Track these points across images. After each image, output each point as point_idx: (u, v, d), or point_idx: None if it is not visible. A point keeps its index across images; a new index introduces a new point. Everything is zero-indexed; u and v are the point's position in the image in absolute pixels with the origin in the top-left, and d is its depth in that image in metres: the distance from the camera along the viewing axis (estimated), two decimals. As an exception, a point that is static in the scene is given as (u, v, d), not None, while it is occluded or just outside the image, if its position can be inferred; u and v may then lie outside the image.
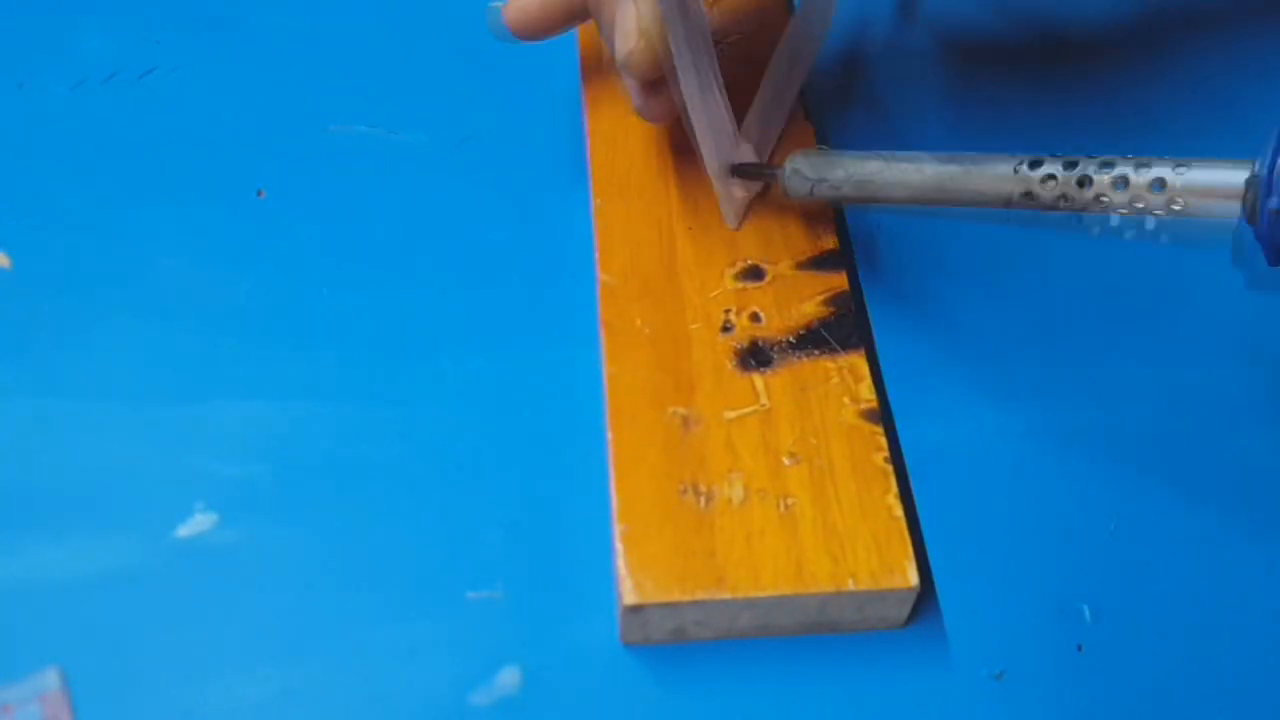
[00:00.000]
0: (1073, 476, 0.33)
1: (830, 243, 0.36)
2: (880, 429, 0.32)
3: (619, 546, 0.30)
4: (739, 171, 0.36)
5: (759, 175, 0.36)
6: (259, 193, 0.39)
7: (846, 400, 0.32)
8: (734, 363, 0.33)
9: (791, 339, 0.34)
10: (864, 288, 0.37)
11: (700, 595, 0.29)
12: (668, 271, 0.35)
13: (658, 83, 0.33)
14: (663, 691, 0.30)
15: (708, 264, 0.35)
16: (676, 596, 0.29)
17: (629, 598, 0.29)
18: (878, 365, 0.35)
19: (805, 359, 0.33)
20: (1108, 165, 0.31)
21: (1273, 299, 0.37)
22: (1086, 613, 0.31)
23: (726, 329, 0.34)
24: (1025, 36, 0.44)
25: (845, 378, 0.33)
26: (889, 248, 0.38)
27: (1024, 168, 0.31)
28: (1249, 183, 0.29)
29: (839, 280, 0.35)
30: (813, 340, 0.34)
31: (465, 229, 0.38)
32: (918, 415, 0.34)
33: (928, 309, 0.37)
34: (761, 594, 0.29)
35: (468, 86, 0.42)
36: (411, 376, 0.35)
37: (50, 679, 0.29)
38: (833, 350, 0.33)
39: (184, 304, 0.36)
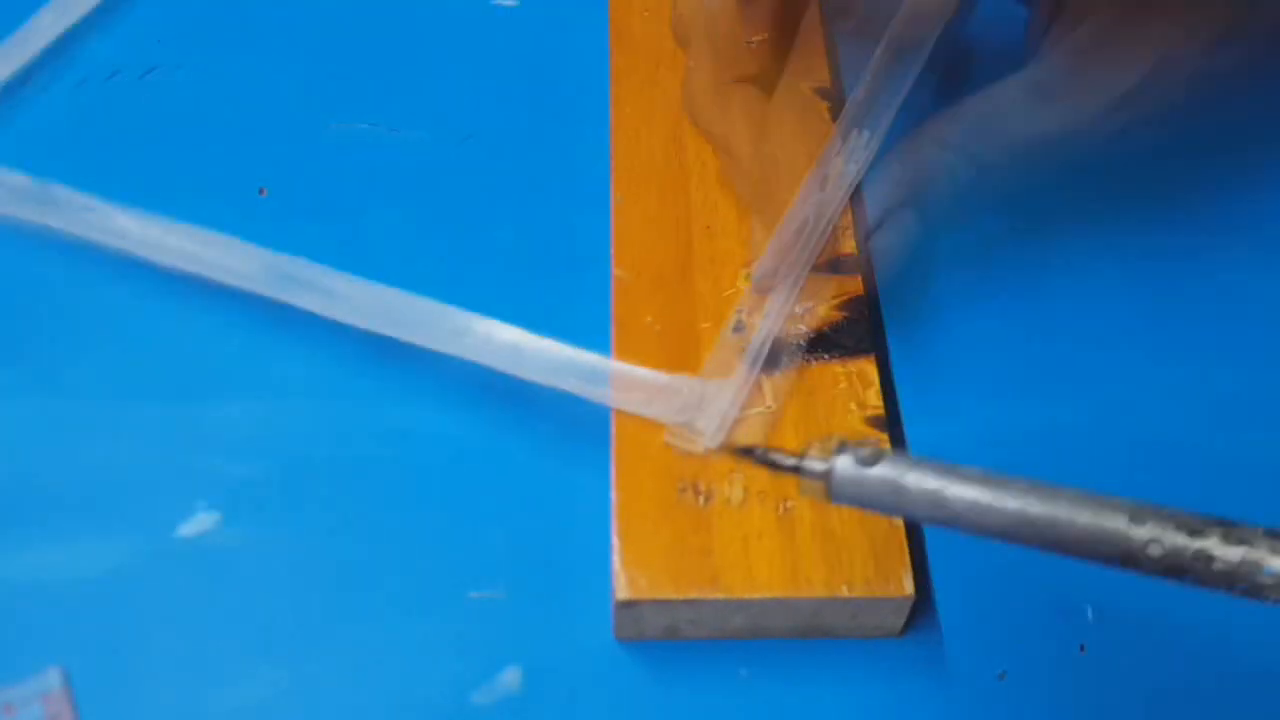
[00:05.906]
0: (1074, 478, 0.33)
1: (848, 246, 0.36)
2: (885, 436, 0.32)
3: (615, 542, 0.30)
4: (749, 455, 0.26)
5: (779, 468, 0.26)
6: (261, 191, 0.39)
7: (853, 405, 0.32)
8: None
9: (802, 341, 0.33)
10: (880, 293, 0.36)
11: (693, 594, 0.29)
12: (682, 269, 0.35)
13: None
14: (665, 691, 0.30)
15: (723, 263, 0.35)
16: (669, 594, 0.29)
17: (621, 593, 0.29)
18: (889, 372, 0.35)
19: (815, 362, 0.33)
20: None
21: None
22: (1089, 613, 0.31)
23: (737, 329, 0.34)
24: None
25: (854, 383, 0.33)
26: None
27: (1174, 535, 0.23)
28: None
29: (854, 284, 0.35)
30: (824, 344, 0.33)
31: (467, 227, 0.38)
32: (926, 422, 0.34)
33: (944, 316, 0.36)
34: (755, 596, 0.29)
35: (469, 84, 0.42)
36: (414, 375, 0.35)
37: (52, 678, 0.29)
38: (843, 355, 0.33)
39: (185, 302, 0.36)
